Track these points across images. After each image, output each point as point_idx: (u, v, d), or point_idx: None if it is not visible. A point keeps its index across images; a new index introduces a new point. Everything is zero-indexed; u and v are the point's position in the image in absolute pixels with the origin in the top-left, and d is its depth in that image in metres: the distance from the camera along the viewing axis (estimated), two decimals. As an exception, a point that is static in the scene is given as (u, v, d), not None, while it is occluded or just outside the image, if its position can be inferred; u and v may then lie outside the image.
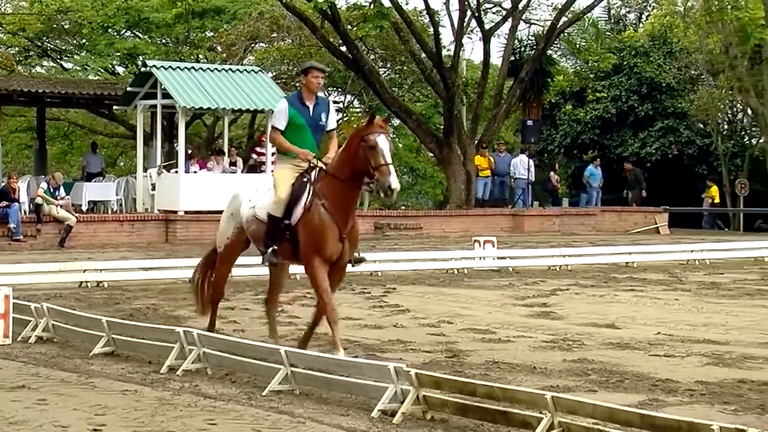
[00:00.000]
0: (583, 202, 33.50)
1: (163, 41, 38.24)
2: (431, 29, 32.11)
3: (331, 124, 10.32)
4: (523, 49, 33.70)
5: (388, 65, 37.98)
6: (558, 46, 38.11)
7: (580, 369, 9.64)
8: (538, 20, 35.29)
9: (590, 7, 33.94)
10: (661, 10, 39.26)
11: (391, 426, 7.49)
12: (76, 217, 23.90)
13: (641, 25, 42.34)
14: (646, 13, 43.14)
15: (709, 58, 36.25)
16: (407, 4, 34.40)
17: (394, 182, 9.46)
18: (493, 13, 33.76)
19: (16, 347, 10.69)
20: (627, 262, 20.42)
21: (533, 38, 34.26)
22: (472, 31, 34.47)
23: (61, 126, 41.08)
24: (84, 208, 26.10)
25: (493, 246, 20.48)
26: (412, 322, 12.69)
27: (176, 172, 26.00)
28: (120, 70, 38.98)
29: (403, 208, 31.09)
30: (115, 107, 29.87)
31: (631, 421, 6.66)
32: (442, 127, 32.91)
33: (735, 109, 39.30)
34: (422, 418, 7.63)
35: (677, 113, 36.71)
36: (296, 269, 11.40)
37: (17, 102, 30.88)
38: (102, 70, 37.66)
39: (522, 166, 31.46)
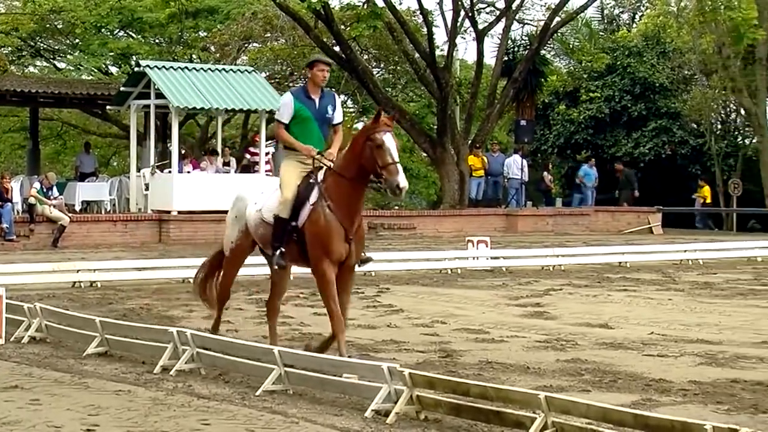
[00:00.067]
0: (576, 202, 33.49)
1: (157, 41, 38.16)
2: (425, 29, 32.06)
3: (338, 118, 10.11)
4: (516, 49, 33.65)
5: (382, 65, 37.94)
6: (551, 46, 38.08)
7: (573, 369, 9.65)
8: (531, 20, 35.33)
9: (583, 7, 33.93)
10: (654, 10, 39.19)
11: (384, 426, 7.49)
12: (70, 217, 23.85)
13: (634, 25, 42.31)
14: (640, 14, 43.11)
15: (703, 58, 36.23)
16: (401, 4, 34.39)
17: (403, 181, 9.30)
18: (487, 13, 33.77)
19: (9, 347, 10.66)
20: (620, 262, 20.45)
21: (526, 38, 34.22)
22: (465, 31, 34.42)
23: (55, 126, 41.04)
24: (77, 208, 26.07)
25: (487, 246, 20.47)
26: (406, 322, 12.69)
27: (170, 172, 25.96)
28: (113, 70, 38.91)
29: (396, 208, 31.04)
30: (108, 107, 29.81)
31: (625, 421, 6.67)
32: (435, 127, 32.88)
33: (728, 109, 39.30)
34: (416, 418, 7.64)
35: (670, 113, 36.70)
36: (295, 269, 11.30)
37: (10, 102, 30.90)
38: (95, 70, 37.66)
39: (515, 166, 31.49)
